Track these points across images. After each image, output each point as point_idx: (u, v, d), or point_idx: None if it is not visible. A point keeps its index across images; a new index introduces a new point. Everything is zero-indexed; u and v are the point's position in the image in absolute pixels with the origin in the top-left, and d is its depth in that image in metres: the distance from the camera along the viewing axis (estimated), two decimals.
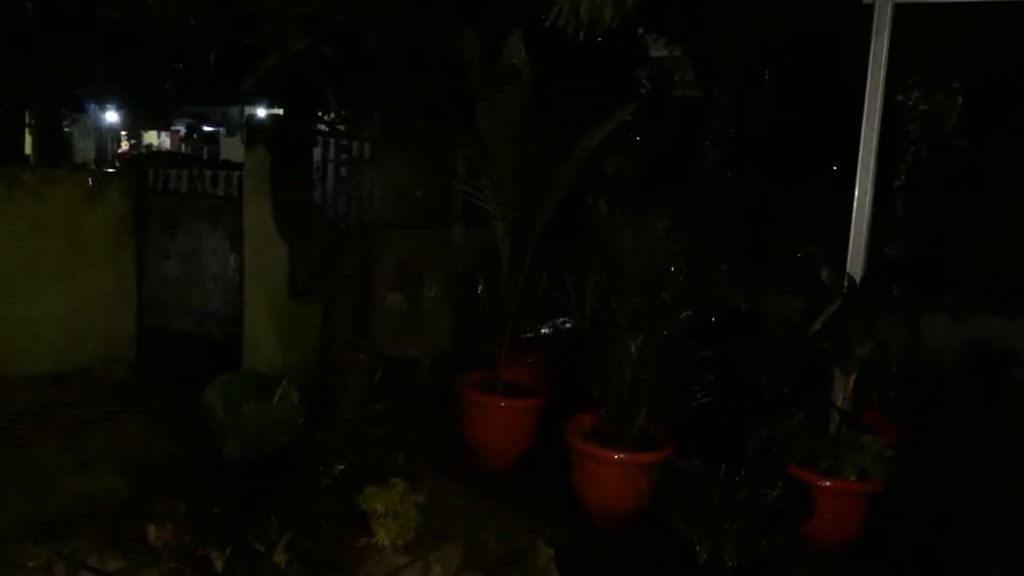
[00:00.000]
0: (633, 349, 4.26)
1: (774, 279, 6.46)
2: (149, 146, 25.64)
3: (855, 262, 4.40)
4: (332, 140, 6.20)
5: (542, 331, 6.04)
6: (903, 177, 4.71)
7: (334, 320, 4.55)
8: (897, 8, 4.31)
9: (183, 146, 26.44)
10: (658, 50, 7.49)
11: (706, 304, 4.56)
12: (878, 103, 4.31)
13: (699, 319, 4.48)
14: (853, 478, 4.00)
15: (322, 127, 6.09)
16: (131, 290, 6.27)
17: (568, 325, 5.17)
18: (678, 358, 4.31)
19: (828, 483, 3.98)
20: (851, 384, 4.34)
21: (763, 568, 3.35)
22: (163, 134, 26.65)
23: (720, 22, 6.83)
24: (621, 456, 4.19)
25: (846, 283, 4.22)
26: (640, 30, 7.06)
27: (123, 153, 22.08)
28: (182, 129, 26.27)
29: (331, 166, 6.13)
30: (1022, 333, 8.35)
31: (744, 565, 3.31)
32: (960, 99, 4.71)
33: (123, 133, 23.50)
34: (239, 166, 6.25)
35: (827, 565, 3.65)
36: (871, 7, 4.30)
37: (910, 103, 4.64)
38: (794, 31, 7.20)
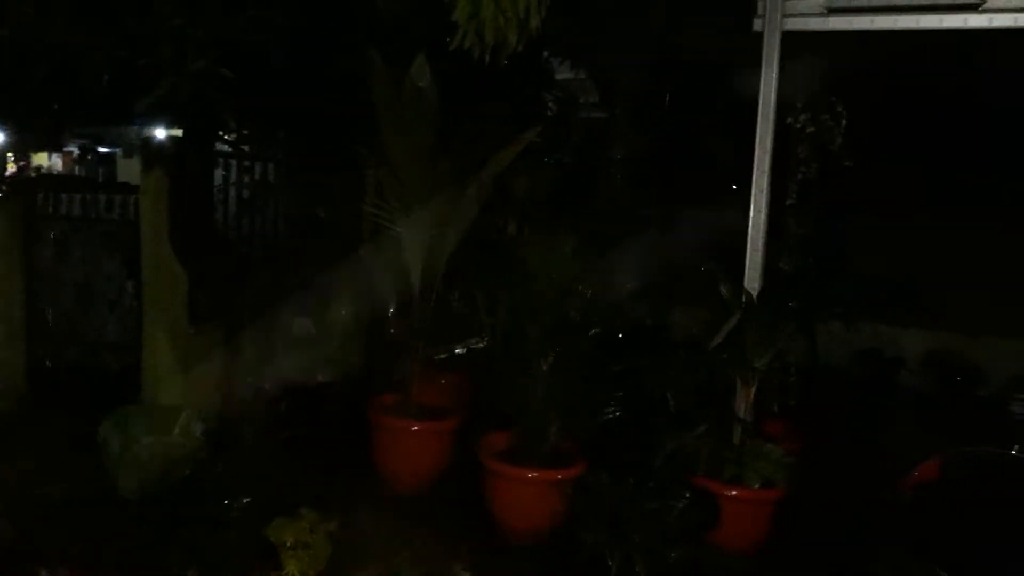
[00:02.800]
0: (544, 367, 4.30)
1: (680, 295, 6.68)
2: (39, 168, 24.34)
3: (752, 277, 4.58)
4: (234, 162, 6.05)
5: (456, 352, 6.03)
6: (795, 196, 4.96)
7: (237, 347, 4.42)
8: (785, 36, 4.55)
9: (76, 168, 25.21)
10: (564, 73, 7.66)
11: (613, 320, 4.66)
12: (770, 125, 4.52)
13: (607, 335, 4.58)
14: (757, 486, 4.15)
15: (224, 148, 5.94)
16: (20, 319, 5.92)
17: (481, 345, 5.18)
18: (588, 374, 4.37)
19: (734, 492, 4.11)
20: (752, 395, 4.50)
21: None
22: (54, 155, 25.34)
23: (619, 45, 7.05)
24: (534, 474, 4.21)
25: (744, 298, 4.39)
26: (545, 53, 7.21)
27: (10, 176, 20.89)
28: (75, 150, 25.07)
29: (233, 188, 5.97)
30: (909, 341, 8.92)
31: (654, 575, 3.37)
32: (844, 122, 5.00)
33: (10, 155, 22.25)
34: (136, 189, 6.03)
35: (732, 571, 3.76)
36: (761, 34, 4.52)
37: (798, 126, 4.89)
38: (691, 55, 7.51)
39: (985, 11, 4.22)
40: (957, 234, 8.56)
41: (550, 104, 7.35)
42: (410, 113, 4.37)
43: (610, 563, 3.36)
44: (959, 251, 8.52)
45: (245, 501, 3.67)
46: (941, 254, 8.50)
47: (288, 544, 3.58)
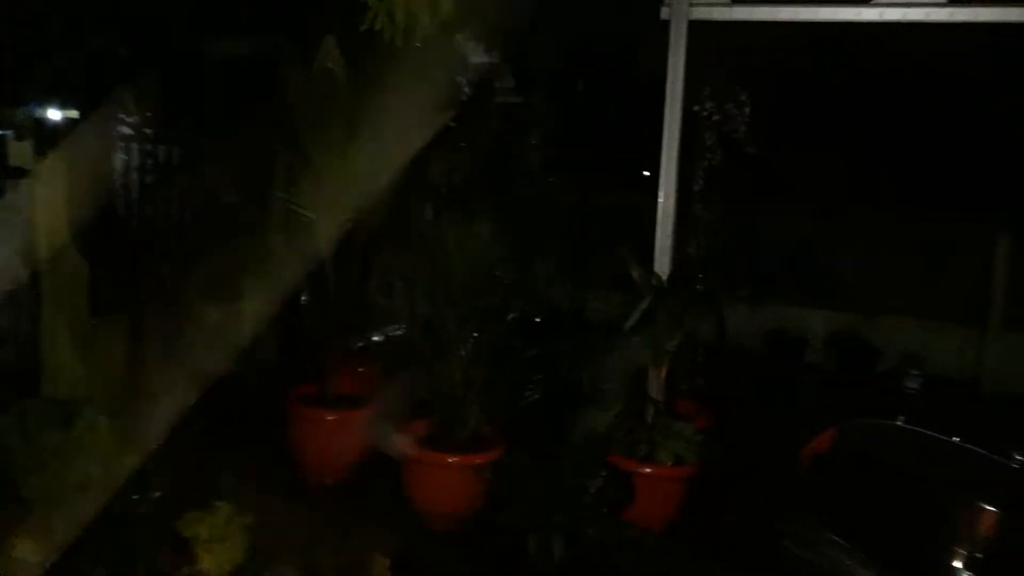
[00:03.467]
0: (463, 352, 4.32)
1: (596, 279, 6.80)
2: None
3: (662, 261, 4.72)
4: (137, 145, 5.81)
5: (376, 339, 5.98)
6: (701, 182, 5.12)
7: (142, 338, 4.27)
8: (692, 25, 4.67)
9: None
10: (480, 56, 7.64)
11: (531, 305, 4.72)
12: (677, 112, 4.65)
13: (526, 320, 4.63)
14: (669, 463, 4.29)
15: (125, 130, 5.69)
16: None
17: (400, 333, 5.16)
18: (507, 359, 4.42)
19: (647, 469, 4.24)
20: (663, 375, 4.64)
21: (589, 555, 3.51)
22: None
23: (534, 30, 7.10)
24: (453, 459, 4.23)
25: (654, 281, 4.51)
26: (459, 36, 7.17)
27: None
28: None
29: (136, 173, 5.74)
30: (813, 321, 9.34)
31: (571, 554, 3.45)
32: (748, 110, 5.18)
33: None
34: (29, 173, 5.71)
35: (647, 546, 3.88)
36: (668, 22, 4.63)
37: (705, 113, 5.04)
38: (607, 41, 7.61)
39: (876, 5, 4.44)
40: (856, 220, 9.01)
41: (465, 88, 7.32)
42: (319, 96, 4.29)
43: (529, 543, 3.42)
44: (858, 237, 8.98)
45: (156, 495, 3.56)
46: (841, 239, 8.94)
47: (202, 538, 3.50)
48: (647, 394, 4.64)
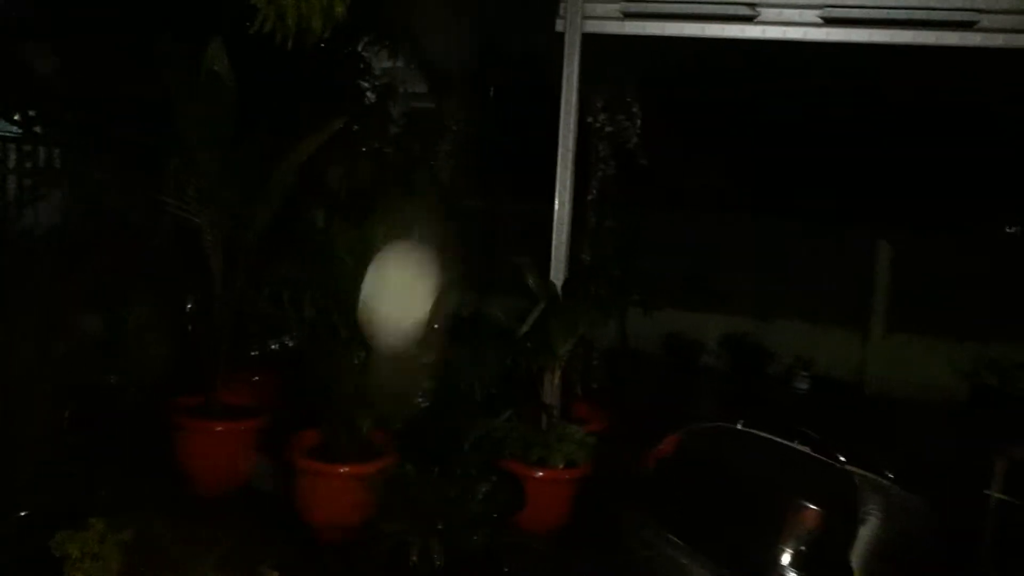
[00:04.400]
0: (356, 361, 4.27)
1: (496, 285, 6.85)
2: None
3: (557, 268, 4.80)
4: (13, 145, 5.51)
5: (271, 348, 5.84)
6: (595, 191, 5.23)
7: (12, 349, 4.04)
8: (586, 37, 4.77)
9: None
10: (387, 62, 7.60)
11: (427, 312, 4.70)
12: (572, 123, 4.73)
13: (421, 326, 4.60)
14: (561, 466, 4.35)
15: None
16: None
17: (291, 342, 5.06)
18: (400, 366, 4.39)
19: (539, 473, 4.29)
20: (557, 380, 4.72)
21: (475, 560, 3.53)
22: None
23: (440, 36, 7.11)
24: (344, 469, 4.18)
25: (549, 288, 4.58)
26: (364, 40, 7.12)
27: None
28: None
29: (13, 175, 5.44)
30: (708, 325, 9.66)
31: (456, 560, 3.45)
32: (639, 122, 5.32)
33: None
34: None
35: (535, 550, 3.92)
36: (563, 34, 4.72)
37: (598, 125, 5.15)
38: (512, 49, 7.67)
39: (759, 23, 4.64)
40: (748, 229, 9.38)
41: (367, 93, 7.26)
42: (206, 100, 4.17)
43: (410, 552, 3.40)
44: (750, 244, 9.34)
45: (23, 515, 3.38)
46: (735, 247, 9.29)
47: (74, 556, 3.34)
48: (541, 399, 4.70)
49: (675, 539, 1.97)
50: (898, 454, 5.75)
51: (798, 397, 8.74)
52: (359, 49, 7.10)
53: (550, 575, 3.55)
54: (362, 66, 7.24)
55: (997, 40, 4.37)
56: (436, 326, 4.92)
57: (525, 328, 4.42)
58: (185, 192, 4.46)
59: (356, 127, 6.98)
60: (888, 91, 8.11)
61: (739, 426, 2.33)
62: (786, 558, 1.74)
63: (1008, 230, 9.98)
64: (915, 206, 9.21)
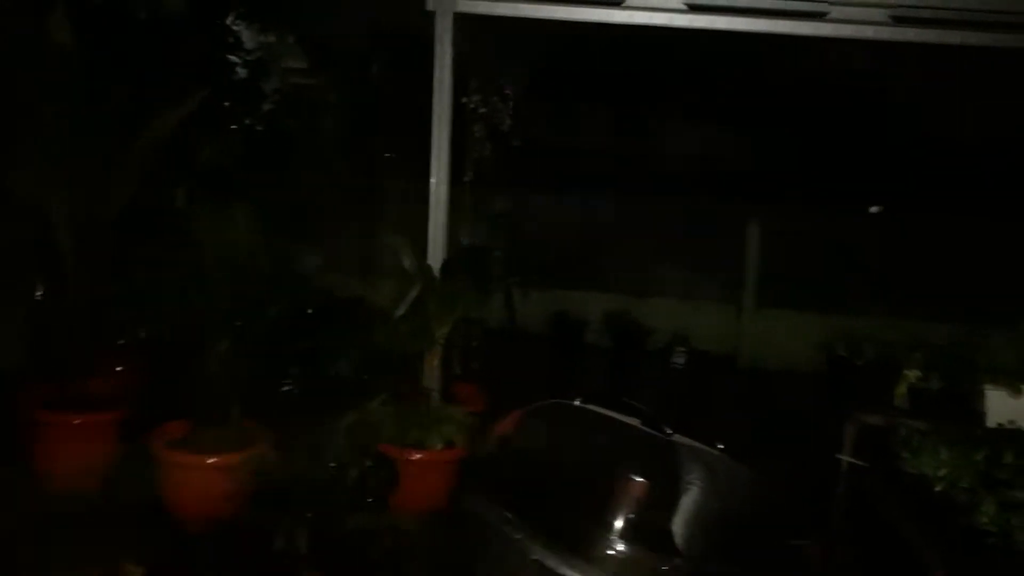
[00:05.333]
0: (221, 348, 4.12)
1: (383, 268, 6.75)
2: None
3: (435, 249, 4.77)
4: None
5: (140, 336, 5.56)
6: (472, 172, 5.22)
7: None
8: (458, 16, 4.73)
9: None
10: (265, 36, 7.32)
11: (299, 296, 4.59)
12: (446, 102, 4.70)
13: (295, 311, 4.50)
14: (439, 447, 4.35)
15: None
16: None
17: (156, 329, 4.83)
18: (270, 353, 4.27)
19: (416, 455, 4.28)
20: (436, 362, 4.71)
21: (344, 545, 3.49)
22: None
23: (318, 11, 6.91)
24: (212, 460, 4.03)
25: (425, 269, 4.55)
26: (233, 15, 6.84)
27: None
28: None
29: None
30: (592, 304, 9.87)
31: (325, 545, 3.40)
32: (512, 103, 5.34)
33: None
34: None
35: (404, 532, 3.89)
36: (434, 13, 4.66)
37: (472, 106, 5.14)
38: (396, 26, 7.53)
39: (626, 8, 4.72)
40: (628, 207, 9.63)
41: (237, 68, 6.97)
42: (51, 71, 3.89)
43: (275, 541, 3.34)
44: (626, 223, 9.60)
45: None
46: (611, 226, 9.53)
47: None
48: (419, 381, 4.68)
49: (512, 517, 2.01)
50: (741, 424, 6.10)
51: (675, 371, 9.07)
52: (228, 22, 6.82)
53: (414, 556, 3.55)
54: (231, 40, 6.94)
55: (846, 31, 4.62)
56: (309, 311, 4.83)
57: (401, 311, 4.38)
58: (32, 170, 4.16)
59: (227, 103, 6.72)
60: (760, 74, 8.48)
61: (576, 403, 2.39)
62: (614, 529, 1.80)
63: (871, 210, 10.62)
64: (785, 186, 9.67)
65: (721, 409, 7.25)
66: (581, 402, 2.34)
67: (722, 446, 2.08)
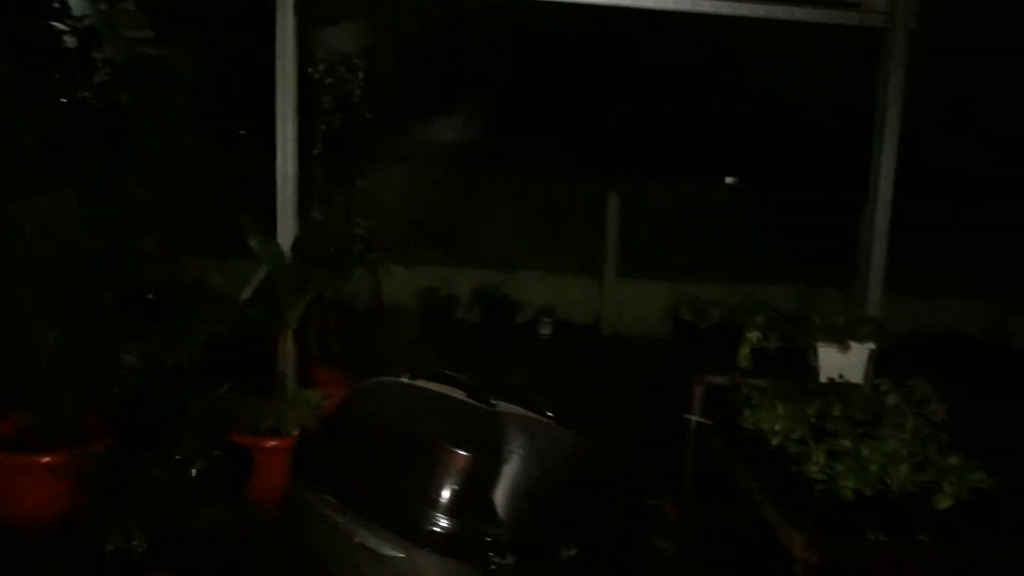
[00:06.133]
0: (50, 339, 3.81)
1: (224, 248, 6.45)
2: None
3: (285, 227, 4.58)
4: None
5: None
6: (321, 145, 5.04)
7: None
8: None
9: None
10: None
11: (138, 281, 4.31)
12: (289, 73, 4.50)
13: (133, 297, 4.22)
14: (295, 432, 4.21)
15: None
16: None
17: None
18: (107, 342, 3.99)
19: (272, 443, 4.12)
20: (291, 345, 4.54)
21: (189, 542, 3.32)
22: None
23: None
24: (44, 459, 3.73)
25: (274, 248, 4.37)
26: None
27: None
28: None
29: None
30: (461, 279, 9.88)
31: (169, 541, 3.23)
32: (361, 74, 5.18)
33: None
34: None
35: (259, 522, 3.75)
36: None
37: (318, 76, 4.95)
38: None
39: None
40: (492, 183, 9.66)
41: (64, 37, 6.41)
42: None
43: (107, 541, 3.14)
44: (495, 198, 9.64)
45: None
46: (479, 201, 9.54)
47: None
48: (274, 366, 4.51)
49: (334, 500, 1.96)
50: (602, 389, 6.28)
51: (543, 342, 9.24)
52: None
53: (263, 548, 3.43)
54: (57, 5, 6.38)
55: (704, 6, 4.73)
56: (150, 296, 4.54)
57: (248, 293, 4.18)
58: None
59: (57, 75, 6.18)
60: (616, 51, 8.65)
61: (404, 379, 2.35)
62: (438, 504, 1.79)
63: (726, 181, 11.12)
64: (642, 159, 9.96)
65: (584, 375, 7.45)
66: (409, 378, 2.29)
67: (551, 414, 2.10)
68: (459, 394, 2.03)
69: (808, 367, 4.26)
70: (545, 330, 9.44)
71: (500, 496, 1.84)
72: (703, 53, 8.63)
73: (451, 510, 1.77)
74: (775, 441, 3.36)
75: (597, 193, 9.77)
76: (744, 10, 4.67)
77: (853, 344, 4.12)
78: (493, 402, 2.02)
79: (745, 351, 4.38)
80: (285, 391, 4.41)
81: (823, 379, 4.13)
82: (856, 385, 3.96)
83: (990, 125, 8.60)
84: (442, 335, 9.28)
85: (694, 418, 4.39)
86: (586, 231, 9.87)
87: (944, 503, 2.90)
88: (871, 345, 4.14)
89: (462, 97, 8.76)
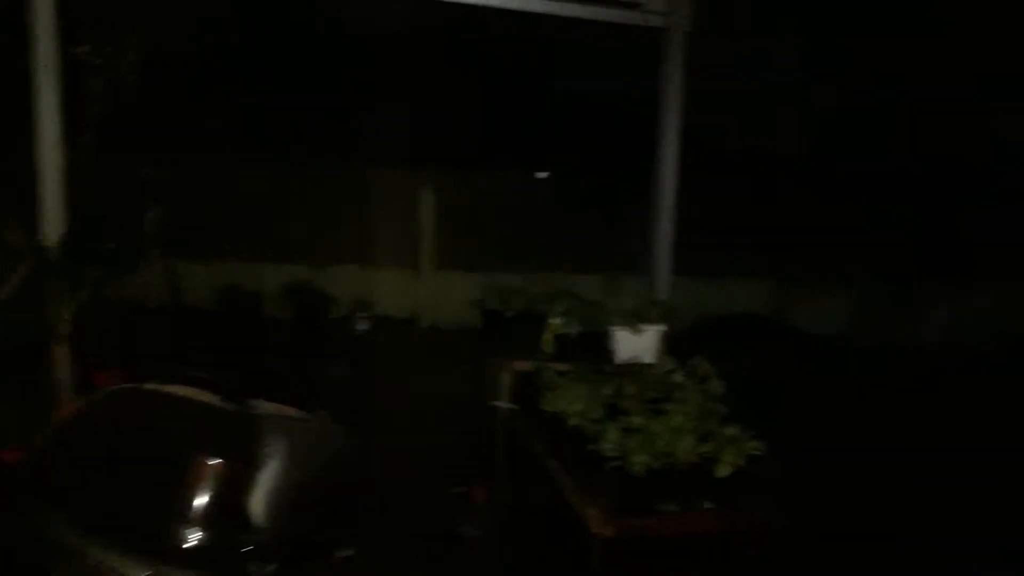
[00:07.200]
0: None
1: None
2: None
3: (51, 221, 4.12)
4: None
5: None
6: (92, 132, 4.57)
7: None
8: None
9: None
10: None
11: None
12: (50, 53, 4.04)
13: None
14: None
15: None
16: None
17: None
18: None
19: None
20: (64, 349, 4.11)
21: None
22: None
23: None
24: None
25: (35, 245, 3.92)
26: None
27: None
28: None
29: None
30: (268, 275, 9.43)
31: None
32: (132, 55, 4.74)
33: None
34: None
35: None
36: None
37: (84, 57, 4.49)
38: None
39: None
40: (304, 176, 9.29)
41: None
42: None
43: None
44: (303, 191, 9.28)
45: None
46: (287, 195, 9.15)
47: None
48: (47, 373, 4.06)
49: (67, 520, 1.75)
50: (417, 382, 6.26)
51: (358, 338, 9.02)
52: None
53: None
54: None
55: (492, 1, 4.74)
56: None
57: (3, 294, 3.72)
58: None
59: None
60: (431, 46, 8.62)
61: (151, 386, 2.15)
62: (187, 517, 1.65)
63: (537, 175, 11.36)
64: (454, 152, 9.99)
65: (400, 369, 7.35)
66: (159, 383, 2.08)
67: (324, 411, 2.00)
68: (211, 397, 1.86)
69: (605, 350, 4.44)
70: (361, 325, 9.19)
71: (258, 502, 1.72)
72: (513, 49, 8.78)
73: (203, 522, 1.62)
74: (573, 421, 3.46)
75: (411, 186, 9.68)
76: (536, 5, 4.76)
77: (645, 327, 4.33)
78: (250, 403, 1.88)
79: (548, 337, 4.49)
80: (57, 400, 3.98)
81: (619, 361, 4.32)
82: (648, 365, 4.18)
83: (779, 115, 9.41)
84: (246, 335, 8.75)
85: (501, 404, 4.44)
86: (401, 224, 9.75)
87: (723, 471, 3.11)
88: (661, 327, 4.38)
89: (263, 82, 8.35)
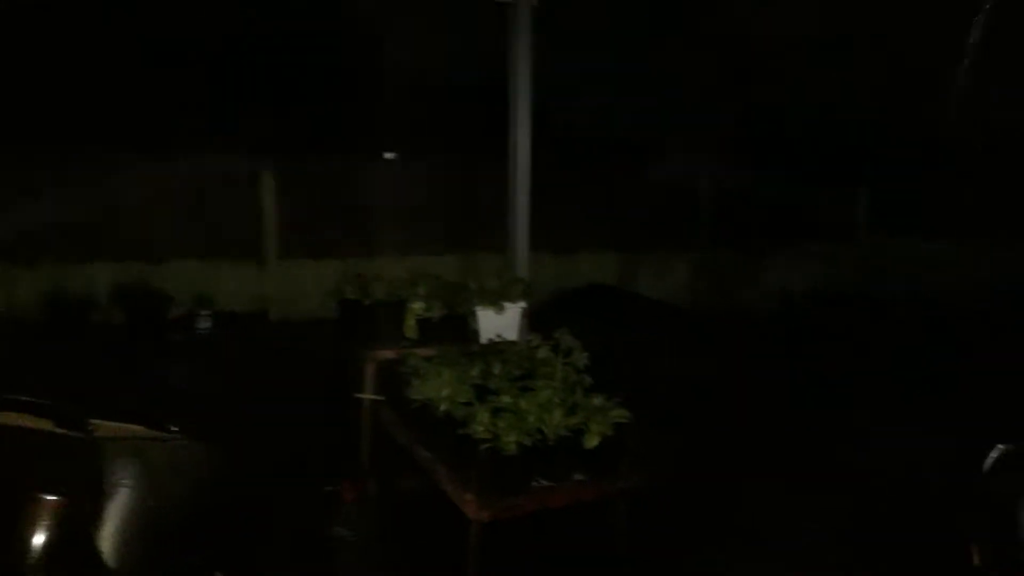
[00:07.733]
0: None
1: None
2: None
3: None
4: None
5: None
6: None
7: None
8: None
9: None
10: None
11: None
12: None
13: None
14: None
15: None
16: None
17: None
18: None
19: None
20: None
21: None
22: None
23: None
24: None
25: None
26: None
27: None
28: None
29: None
30: (97, 276, 8.67)
31: None
32: None
33: None
34: None
35: None
36: None
37: None
38: None
39: None
40: (123, 165, 8.56)
41: None
42: None
43: None
44: (128, 183, 8.56)
45: None
46: (107, 188, 8.42)
47: None
48: None
49: None
50: (269, 381, 6.00)
51: (201, 338, 8.52)
52: None
53: None
54: None
55: None
56: None
57: None
58: None
59: None
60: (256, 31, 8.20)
61: None
62: (24, 562, 1.47)
63: (386, 156, 11.08)
64: (295, 137, 9.60)
65: (249, 369, 6.99)
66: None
67: (175, 428, 1.83)
68: (43, 424, 1.64)
69: (469, 331, 4.41)
70: (203, 324, 8.67)
71: (107, 537, 1.55)
72: (354, 32, 8.53)
73: (42, 565, 1.43)
74: (442, 407, 3.41)
75: (249, 173, 9.18)
76: None
77: (507, 304, 4.34)
78: (89, 427, 1.68)
79: (410, 322, 4.40)
80: None
81: (484, 341, 4.31)
82: (513, 343, 4.19)
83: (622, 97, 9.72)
84: (72, 344, 7.98)
85: (366, 396, 4.32)
86: (241, 213, 9.23)
87: (592, 442, 3.17)
88: (522, 304, 4.40)
89: (74, 65, 7.63)
